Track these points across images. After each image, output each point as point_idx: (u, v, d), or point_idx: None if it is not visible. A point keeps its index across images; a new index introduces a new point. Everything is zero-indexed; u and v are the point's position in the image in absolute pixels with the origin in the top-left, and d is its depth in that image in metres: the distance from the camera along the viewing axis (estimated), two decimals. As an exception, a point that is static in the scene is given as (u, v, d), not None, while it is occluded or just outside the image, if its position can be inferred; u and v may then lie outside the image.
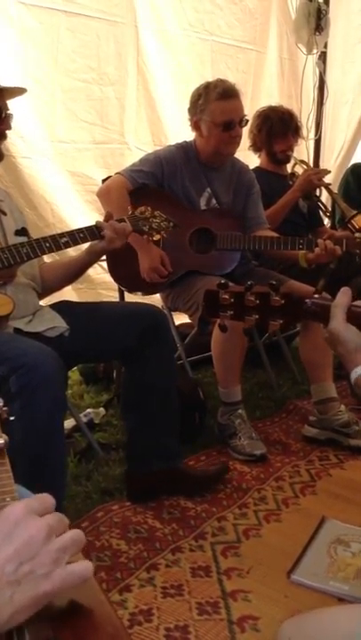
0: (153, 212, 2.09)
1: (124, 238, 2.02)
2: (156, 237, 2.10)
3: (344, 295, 1.20)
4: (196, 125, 2.68)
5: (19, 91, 2.00)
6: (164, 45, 3.48)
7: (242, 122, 2.65)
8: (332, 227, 3.66)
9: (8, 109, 1.95)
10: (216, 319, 2.45)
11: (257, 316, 1.25)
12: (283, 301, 1.23)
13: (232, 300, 1.25)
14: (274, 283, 1.23)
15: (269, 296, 1.23)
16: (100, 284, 3.30)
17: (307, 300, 1.24)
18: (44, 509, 0.65)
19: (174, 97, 3.41)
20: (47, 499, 0.67)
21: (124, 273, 2.70)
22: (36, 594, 0.59)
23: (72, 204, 3.19)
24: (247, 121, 2.71)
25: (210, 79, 2.71)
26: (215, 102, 2.58)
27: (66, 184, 3.17)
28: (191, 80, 3.34)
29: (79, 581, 0.62)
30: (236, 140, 2.68)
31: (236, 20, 3.81)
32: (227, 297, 1.25)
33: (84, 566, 0.63)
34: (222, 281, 1.27)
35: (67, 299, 2.40)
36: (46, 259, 2.25)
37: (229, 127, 2.61)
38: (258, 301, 1.24)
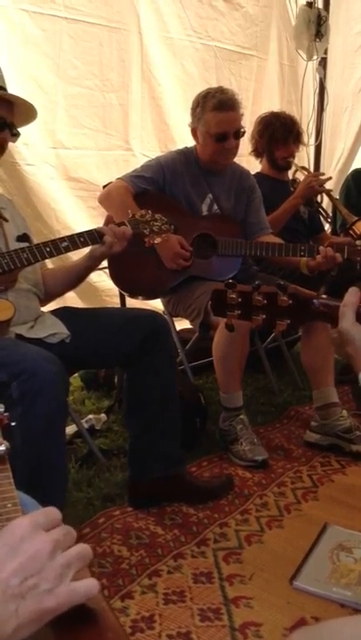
0: (153, 215, 2.08)
1: (125, 242, 2.02)
2: (157, 240, 2.10)
3: (353, 295, 1.19)
4: (193, 132, 2.70)
5: (26, 112, 2.00)
6: (168, 51, 3.49)
7: (237, 134, 2.65)
8: (334, 232, 3.67)
9: (15, 125, 1.95)
10: (217, 325, 2.47)
11: (264, 316, 1.25)
12: (290, 301, 1.23)
13: (239, 299, 1.25)
14: (281, 283, 1.23)
15: (277, 296, 1.23)
16: (103, 290, 3.31)
17: (314, 301, 1.24)
18: (50, 523, 0.65)
19: (181, 102, 3.41)
20: (53, 512, 0.66)
21: (126, 277, 2.70)
22: (40, 608, 0.59)
23: (76, 211, 3.20)
24: (244, 132, 2.71)
25: (214, 85, 2.71)
26: (210, 113, 2.59)
27: (70, 191, 3.18)
28: (196, 85, 3.36)
29: (83, 600, 0.62)
30: (230, 152, 2.69)
31: (238, 27, 3.83)
32: (234, 296, 1.25)
33: (89, 585, 0.63)
34: (230, 280, 1.27)
35: (69, 303, 2.40)
36: (49, 264, 2.25)
37: (223, 139, 2.61)
38: (265, 301, 1.24)
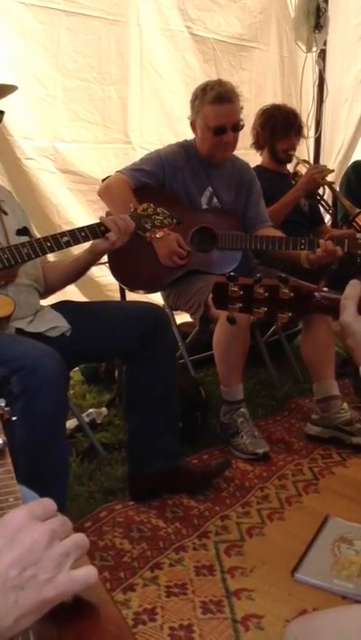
0: (156, 208, 2.07)
1: (127, 236, 2.01)
2: (159, 234, 2.09)
3: (354, 287, 1.19)
4: (192, 125, 2.69)
5: (9, 88, 1.99)
6: (169, 43, 3.47)
7: (236, 127, 2.64)
8: (334, 225, 3.66)
9: None
10: (217, 318, 2.47)
11: (266, 309, 1.25)
12: (292, 294, 1.23)
13: (241, 292, 1.25)
14: (283, 275, 1.23)
15: (278, 289, 1.23)
16: (104, 285, 3.30)
17: (316, 294, 1.24)
18: (46, 514, 0.65)
19: (182, 95, 3.38)
20: (49, 503, 0.66)
21: (126, 271, 2.70)
22: (40, 599, 0.59)
23: (76, 205, 3.18)
24: (242, 126, 2.69)
25: (215, 77, 2.68)
26: (208, 106, 2.58)
27: (70, 184, 3.17)
28: (198, 77, 3.34)
29: (82, 588, 0.62)
30: (229, 145, 2.67)
31: (236, 19, 3.81)
32: (236, 289, 1.25)
33: (88, 572, 0.63)
34: (231, 273, 1.27)
35: (71, 298, 2.39)
36: (50, 257, 2.25)
37: (221, 132, 2.60)
38: (267, 294, 1.24)
